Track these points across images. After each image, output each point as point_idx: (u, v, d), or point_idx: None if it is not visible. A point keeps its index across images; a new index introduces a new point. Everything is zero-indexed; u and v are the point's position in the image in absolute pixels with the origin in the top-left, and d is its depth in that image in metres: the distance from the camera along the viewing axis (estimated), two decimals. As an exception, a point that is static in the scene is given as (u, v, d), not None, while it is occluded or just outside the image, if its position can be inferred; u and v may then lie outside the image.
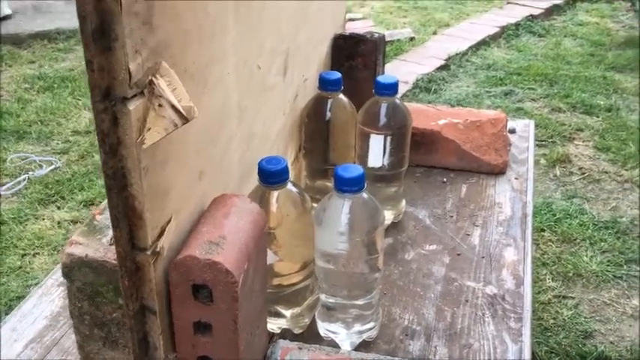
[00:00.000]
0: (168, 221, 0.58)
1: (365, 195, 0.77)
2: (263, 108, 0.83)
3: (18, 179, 2.24)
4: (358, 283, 0.80)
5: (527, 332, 0.86)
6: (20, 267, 1.87)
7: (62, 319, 0.89)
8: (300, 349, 0.75)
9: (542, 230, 2.04)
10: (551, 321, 1.70)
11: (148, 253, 0.56)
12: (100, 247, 0.62)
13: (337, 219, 0.76)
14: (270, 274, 0.77)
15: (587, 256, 1.93)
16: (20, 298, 1.76)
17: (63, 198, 2.17)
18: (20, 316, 0.89)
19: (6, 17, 3.57)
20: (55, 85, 2.93)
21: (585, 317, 1.72)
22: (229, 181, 0.74)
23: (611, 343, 1.64)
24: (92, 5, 0.44)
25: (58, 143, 2.49)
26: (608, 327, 1.69)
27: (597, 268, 1.88)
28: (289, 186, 0.77)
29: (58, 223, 2.04)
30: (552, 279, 1.85)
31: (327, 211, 0.77)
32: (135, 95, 0.49)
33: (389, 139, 0.98)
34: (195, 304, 0.60)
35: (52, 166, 2.32)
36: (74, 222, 2.05)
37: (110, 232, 0.61)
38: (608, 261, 1.91)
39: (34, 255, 1.91)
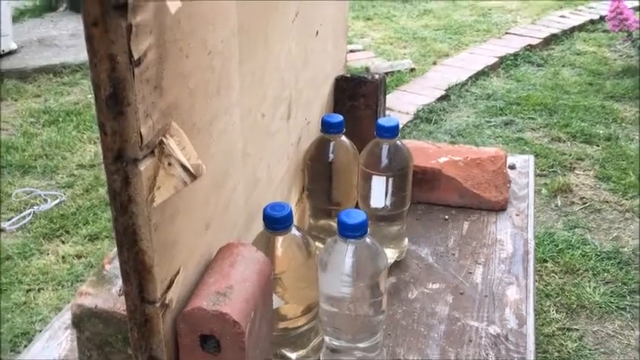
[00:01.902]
0: (177, 273, 0.59)
1: (368, 240, 0.78)
2: (267, 153, 0.85)
3: (23, 214, 2.26)
4: (362, 326, 0.81)
5: (530, 373, 0.87)
6: (25, 302, 1.87)
7: (70, 362, 0.90)
8: (305, 393, 0.76)
9: (545, 261, 2.04)
10: (556, 354, 1.70)
11: (157, 305, 0.57)
12: (110, 298, 0.63)
13: (341, 264, 0.77)
14: (275, 317, 0.78)
15: (590, 287, 1.93)
16: (25, 334, 1.76)
17: (68, 232, 2.18)
18: (28, 359, 0.90)
19: (11, 52, 3.62)
20: (60, 119, 2.96)
21: (590, 349, 1.72)
22: (235, 229, 0.76)
23: (616, 375, 1.63)
24: (106, 74, 0.46)
25: (62, 177, 2.52)
26: (612, 359, 1.69)
27: (601, 300, 1.88)
28: (293, 231, 0.78)
29: (63, 257, 2.05)
30: (556, 311, 1.85)
31: (331, 255, 0.78)
32: (145, 156, 0.51)
33: (391, 180, 1.00)
34: (203, 354, 0.61)
35: (57, 200, 2.33)
36: (79, 256, 2.06)
37: (119, 282, 0.63)
38: (612, 292, 1.91)
39: (38, 290, 1.92)
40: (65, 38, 3.92)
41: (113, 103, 0.47)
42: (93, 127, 2.87)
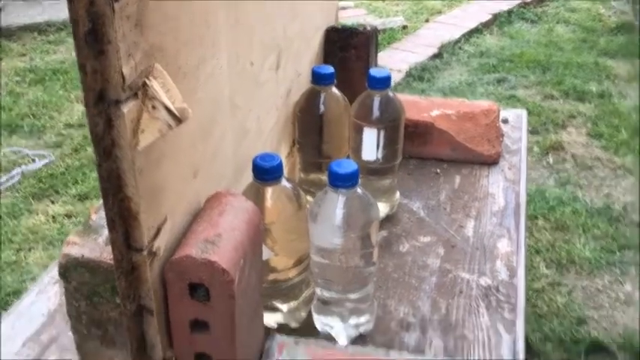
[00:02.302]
0: (164, 221, 0.58)
1: (359, 190, 0.77)
2: (256, 104, 0.84)
3: (11, 174, 2.24)
4: (353, 277, 0.81)
5: (520, 323, 0.87)
6: (15, 262, 1.87)
7: (59, 316, 0.89)
8: (296, 343, 0.76)
9: (536, 218, 2.05)
10: (545, 308, 1.72)
11: (144, 253, 0.56)
12: (96, 247, 0.62)
13: (332, 214, 0.76)
14: (266, 269, 0.77)
15: (580, 243, 1.94)
16: (16, 292, 1.76)
17: (57, 192, 2.16)
18: (17, 314, 0.90)
19: (-5, 9, 3.54)
20: (47, 78, 2.91)
21: (579, 304, 1.74)
22: (223, 178, 0.74)
23: (605, 329, 1.66)
24: (84, 9, 0.44)
25: (50, 137, 2.49)
26: (601, 313, 1.71)
27: (590, 255, 1.89)
28: (283, 182, 0.77)
29: (53, 217, 2.04)
30: (546, 266, 1.87)
31: (321, 206, 0.77)
32: (128, 98, 0.50)
33: (382, 132, 0.98)
34: (192, 302, 0.60)
35: (46, 160, 2.31)
36: (68, 216, 2.05)
37: (106, 232, 0.62)
38: (601, 248, 1.93)
39: (29, 250, 1.91)
40: (50, -5, 3.83)
41: (92, 39, 0.45)
42: (80, 87, 2.82)
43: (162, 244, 0.58)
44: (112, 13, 0.45)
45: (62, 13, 3.54)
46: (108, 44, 0.46)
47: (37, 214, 2.05)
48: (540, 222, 2.04)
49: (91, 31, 0.45)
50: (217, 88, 0.69)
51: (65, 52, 3.21)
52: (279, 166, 0.75)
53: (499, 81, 2.96)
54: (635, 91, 2.83)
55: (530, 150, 2.42)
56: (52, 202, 2.12)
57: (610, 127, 2.55)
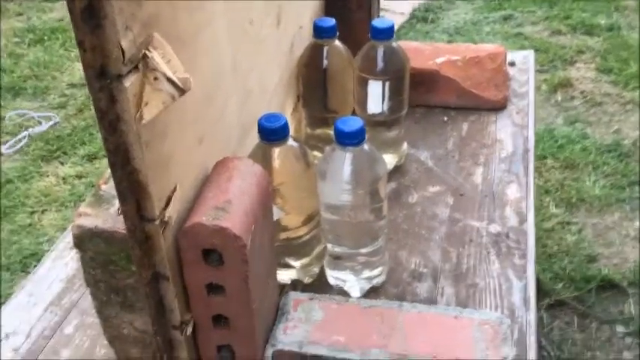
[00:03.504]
0: (174, 190, 0.59)
1: (366, 146, 0.77)
2: (258, 62, 0.83)
3: (18, 137, 2.24)
4: (364, 232, 0.81)
5: (531, 268, 0.88)
6: (30, 224, 1.89)
7: (78, 281, 0.91)
8: (310, 299, 0.77)
9: (545, 157, 2.04)
10: (555, 247, 1.73)
11: (157, 223, 0.57)
12: (109, 218, 0.63)
13: (340, 172, 0.77)
14: (277, 228, 0.78)
15: (590, 180, 1.94)
16: (34, 255, 1.79)
17: (65, 153, 2.17)
18: (36, 280, 0.92)
19: (-12, -32, 3.47)
20: (46, 38, 2.88)
21: (589, 242, 1.75)
22: (229, 142, 0.74)
23: (615, 265, 1.67)
24: (79, -16, 0.43)
25: (54, 98, 2.48)
26: (611, 250, 1.72)
27: (600, 193, 1.89)
28: (290, 141, 0.77)
29: (63, 178, 2.05)
30: (556, 206, 1.87)
31: (329, 164, 0.77)
32: (130, 71, 0.49)
33: (387, 84, 0.97)
34: (206, 267, 0.61)
35: (52, 122, 2.31)
36: (79, 177, 2.06)
37: (116, 202, 0.62)
38: (611, 185, 1.92)
39: (42, 212, 1.94)
40: (42, -49, 3.74)
41: (89, 15, 0.45)
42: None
43: (173, 212, 0.59)
44: (108, -13, 0.44)
45: (56, -32, 3.46)
46: (105, 18, 0.46)
47: (48, 177, 2.07)
48: (549, 161, 2.03)
49: (88, 6, 0.44)
50: (218, 53, 0.68)
51: (62, 10, 3.16)
52: (285, 126, 0.75)
53: (505, 18, 2.89)
54: (645, 22, 2.77)
55: (538, 89, 2.40)
56: (62, 164, 2.13)
57: (619, 61, 2.50)
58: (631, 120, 2.21)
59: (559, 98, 2.35)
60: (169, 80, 0.51)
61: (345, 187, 0.77)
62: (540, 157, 2.04)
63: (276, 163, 0.76)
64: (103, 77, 0.48)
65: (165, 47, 0.52)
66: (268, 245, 0.70)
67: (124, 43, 0.47)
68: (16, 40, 2.89)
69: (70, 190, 2.00)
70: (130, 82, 0.49)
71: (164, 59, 0.51)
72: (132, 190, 0.54)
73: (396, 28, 0.99)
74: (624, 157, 2.03)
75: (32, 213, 1.93)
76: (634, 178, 1.94)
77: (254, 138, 0.76)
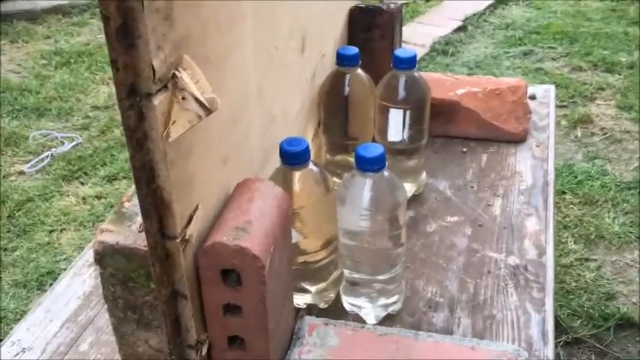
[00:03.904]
0: (196, 209, 0.59)
1: (386, 173, 0.77)
2: (282, 88, 0.84)
3: (41, 156, 2.28)
4: (382, 259, 0.81)
5: (549, 302, 0.87)
6: (48, 243, 1.91)
7: (95, 298, 0.91)
8: (326, 324, 0.77)
9: (564, 193, 2.03)
10: (574, 284, 1.71)
11: (178, 240, 0.57)
12: (130, 235, 0.63)
13: (359, 198, 0.77)
14: (295, 252, 0.79)
15: (609, 217, 1.92)
16: (50, 273, 1.80)
17: (86, 174, 2.20)
18: (53, 297, 0.92)
19: (20, -7, 3.57)
20: (72, 60, 2.94)
21: (608, 279, 1.73)
22: (252, 164, 0.75)
23: (634, 304, 1.64)
24: (115, 5, 0.45)
25: (78, 119, 2.52)
26: (630, 288, 1.70)
27: (620, 230, 1.87)
28: (311, 166, 0.78)
29: (83, 198, 2.08)
30: (574, 242, 1.85)
31: (349, 190, 0.78)
32: (159, 90, 0.50)
33: (408, 112, 0.98)
34: (225, 287, 0.62)
35: (74, 143, 2.35)
36: (98, 197, 2.09)
37: (139, 219, 0.63)
38: (631, 222, 1.90)
39: (61, 231, 1.96)
40: (73, -23, 3.85)
41: (123, 35, 0.46)
42: (105, 68, 2.85)
43: (194, 231, 0.59)
44: (142, 8, 0.46)
45: (85, -6, 3.56)
46: (138, 38, 0.47)
47: (68, 196, 2.09)
48: (568, 197, 2.02)
49: (122, 26, 0.46)
50: (244, 76, 0.69)
51: (89, 34, 3.24)
52: (306, 150, 0.76)
53: (525, 54, 2.91)
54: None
55: (557, 124, 2.39)
56: (82, 184, 2.15)
57: (640, 98, 2.50)
58: (652, 158, 2.19)
59: (579, 134, 2.34)
60: (197, 100, 0.52)
61: (364, 213, 0.77)
62: (559, 193, 2.03)
63: (297, 186, 0.77)
64: (133, 95, 0.49)
65: (194, 68, 0.53)
66: (286, 268, 0.70)
67: (156, 63, 0.48)
68: (44, 62, 2.96)
69: (90, 210, 2.02)
70: (159, 100, 0.50)
71: (193, 79, 0.52)
72: (155, 207, 0.55)
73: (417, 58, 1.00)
74: (644, 195, 2.01)
75: (51, 232, 1.95)
76: (654, 216, 1.92)
77: (276, 161, 0.77)
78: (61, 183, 2.15)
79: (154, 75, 0.49)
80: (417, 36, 3.00)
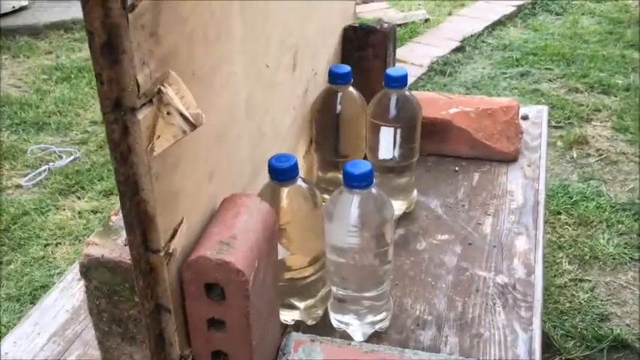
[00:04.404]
0: (180, 223, 0.60)
1: (374, 190, 0.78)
2: (272, 105, 0.85)
3: (39, 170, 2.29)
4: (369, 276, 0.82)
5: (537, 321, 0.87)
6: (43, 257, 1.91)
7: (83, 312, 0.91)
8: (312, 341, 0.77)
9: (559, 213, 2.03)
10: (567, 304, 1.71)
11: (161, 254, 0.58)
12: (116, 248, 0.64)
13: (347, 214, 0.77)
14: (282, 268, 0.79)
15: (603, 238, 1.92)
16: (44, 287, 1.80)
17: (83, 188, 2.20)
18: (42, 310, 0.93)
19: (22, 8, 3.60)
20: (73, 76, 2.96)
21: (602, 300, 1.72)
22: (239, 180, 0.76)
23: (628, 325, 1.64)
24: (99, 21, 0.46)
25: (77, 134, 2.53)
26: (624, 310, 1.69)
27: (614, 251, 1.87)
28: (299, 182, 0.78)
29: (79, 213, 2.08)
30: (569, 262, 1.85)
31: (337, 206, 0.78)
32: (144, 105, 0.51)
33: (399, 131, 0.99)
34: (208, 302, 0.62)
35: (72, 157, 2.35)
36: (94, 212, 2.09)
37: (125, 233, 0.63)
38: (625, 243, 1.90)
39: (56, 245, 1.96)
40: (75, -6, 3.89)
41: (108, 51, 0.47)
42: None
43: (178, 245, 0.60)
44: (127, 24, 0.47)
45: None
46: (123, 54, 0.48)
47: (64, 210, 2.10)
48: (563, 217, 2.02)
49: (107, 42, 0.47)
50: (232, 93, 0.70)
51: (90, 50, 3.26)
52: (295, 167, 0.76)
53: (522, 75, 2.93)
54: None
55: (553, 144, 2.40)
56: (79, 198, 2.16)
57: (636, 120, 2.51)
58: (647, 179, 2.20)
59: (574, 155, 2.35)
60: (182, 115, 0.53)
61: (352, 230, 0.78)
62: (554, 213, 2.03)
63: (285, 202, 0.78)
64: (118, 109, 0.50)
65: (179, 84, 0.54)
66: (272, 283, 0.70)
67: (140, 78, 0.49)
68: (44, 77, 2.98)
69: (85, 225, 2.02)
70: (144, 114, 0.51)
71: (178, 95, 0.53)
72: (139, 220, 0.56)
73: (414, 79, 1.01)
74: (639, 217, 2.01)
75: (46, 245, 1.95)
76: (649, 237, 1.92)
77: (265, 177, 0.78)
78: (58, 197, 2.16)
79: (138, 90, 0.49)
80: (415, 56, 3.03)
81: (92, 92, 2.82)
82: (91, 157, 2.37)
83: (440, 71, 2.96)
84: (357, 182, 0.76)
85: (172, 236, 0.59)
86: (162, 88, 0.52)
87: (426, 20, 3.51)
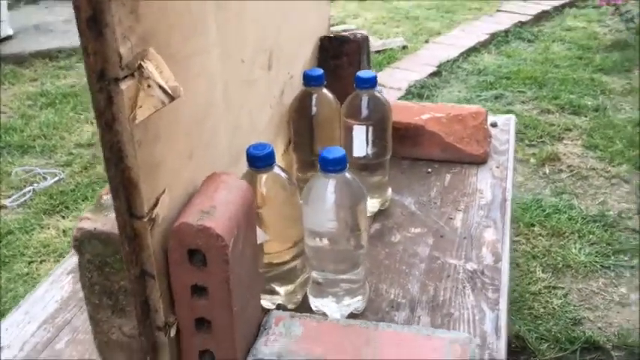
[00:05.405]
0: (162, 193, 0.64)
1: (347, 174, 0.83)
2: (248, 99, 0.90)
3: (23, 191, 2.31)
4: (344, 259, 0.86)
5: (504, 301, 0.92)
6: (27, 273, 1.93)
7: (72, 302, 0.95)
8: (292, 317, 0.81)
9: (533, 225, 2.10)
10: (542, 310, 1.76)
11: (145, 220, 0.62)
12: (107, 222, 0.68)
13: (323, 196, 0.82)
14: (261, 253, 0.83)
15: (575, 248, 1.98)
16: (28, 303, 1.81)
17: (67, 208, 2.23)
18: (32, 301, 0.96)
19: (8, 37, 3.66)
20: (57, 101, 3.01)
21: (574, 305, 1.77)
22: (219, 165, 0.81)
23: (599, 328, 1.69)
24: (85, -3, 0.51)
25: (61, 156, 2.57)
26: (596, 314, 1.75)
27: (586, 259, 1.93)
28: (276, 169, 0.83)
29: (63, 231, 2.10)
30: (542, 271, 1.91)
31: (313, 190, 0.83)
32: (126, 77, 0.56)
33: (371, 129, 1.05)
34: (191, 268, 0.66)
35: (56, 178, 2.39)
36: (78, 230, 2.11)
37: (114, 209, 0.68)
38: (597, 252, 1.97)
39: (40, 262, 1.98)
40: (60, 24, 3.97)
41: (92, 24, 0.52)
42: (89, 109, 2.92)
43: (161, 212, 0.64)
44: (109, 1, 0.52)
45: (72, 40, 3.66)
46: (106, 27, 0.53)
47: (49, 229, 2.12)
48: (537, 229, 2.08)
49: (92, 16, 0.52)
50: (209, 80, 0.75)
51: (75, 77, 3.32)
52: (271, 154, 0.81)
53: (496, 97, 3.03)
54: (632, 104, 2.89)
55: (526, 161, 2.49)
56: (63, 218, 2.18)
57: (605, 138, 2.60)
58: (616, 193, 2.28)
59: (547, 171, 2.43)
60: (161, 87, 0.58)
61: (327, 212, 0.82)
62: (528, 225, 2.10)
63: (263, 189, 0.82)
64: (103, 79, 0.55)
65: (158, 60, 0.59)
66: (251, 258, 0.75)
67: (122, 50, 0.55)
68: (29, 102, 3.02)
69: (69, 242, 2.04)
70: (126, 85, 0.56)
71: (157, 70, 0.58)
72: (124, 186, 0.60)
73: (391, 102, 1.07)
74: (609, 227, 2.08)
75: (30, 263, 1.97)
76: (619, 246, 1.99)
77: (242, 168, 0.83)
78: (42, 216, 2.18)
79: (120, 61, 0.55)
80: (393, 80, 3.12)
81: (77, 117, 2.87)
82: (75, 178, 2.41)
83: (417, 94, 3.05)
84: (332, 166, 0.81)
85: (155, 204, 0.63)
86: (142, 62, 0.58)
87: (404, 47, 3.62)
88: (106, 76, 0.55)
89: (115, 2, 0.53)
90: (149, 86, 0.57)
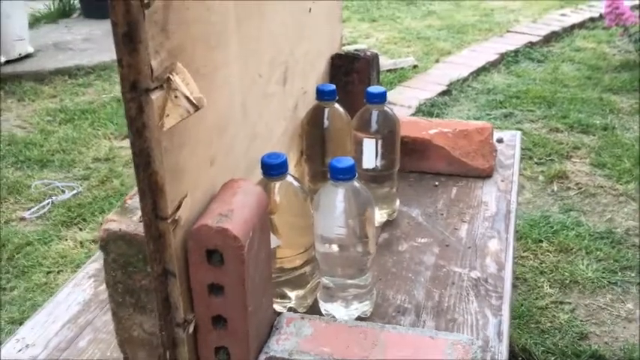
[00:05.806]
0: (185, 196, 0.70)
1: (356, 183, 0.88)
2: (265, 112, 0.96)
3: (42, 204, 2.38)
4: (353, 264, 0.91)
5: (506, 308, 0.96)
6: (46, 283, 1.98)
7: (94, 304, 1.00)
8: (302, 318, 0.86)
9: (540, 241, 2.13)
10: (549, 324, 1.78)
11: (169, 221, 0.67)
12: (132, 224, 0.73)
13: (332, 204, 0.87)
14: (274, 258, 0.88)
15: (583, 264, 2.01)
16: (46, 311, 1.86)
17: (85, 220, 2.29)
18: (55, 303, 1.01)
19: (28, 55, 3.77)
20: (76, 117, 3.09)
21: (581, 320, 1.80)
22: (236, 172, 0.86)
23: (606, 343, 1.71)
24: (122, 15, 0.57)
25: (79, 170, 2.64)
26: (603, 329, 1.77)
27: (593, 275, 1.96)
28: (289, 178, 0.88)
29: (81, 243, 2.16)
30: (550, 286, 1.93)
31: (323, 197, 0.88)
32: (156, 88, 0.62)
33: (380, 142, 1.10)
34: (209, 267, 0.71)
35: (74, 191, 2.45)
36: (95, 242, 2.17)
37: (139, 212, 0.73)
38: (604, 268, 1.99)
39: (58, 272, 2.03)
40: (79, 42, 4.07)
41: (128, 40, 0.58)
42: (107, 124, 3.00)
43: (183, 215, 0.69)
44: (143, 19, 0.58)
45: (91, 58, 3.75)
46: (139, 43, 0.59)
47: (66, 240, 2.18)
48: (544, 245, 2.11)
49: (127, 32, 0.58)
50: (230, 94, 0.81)
51: (93, 94, 3.40)
52: (285, 163, 0.86)
53: (506, 116, 3.07)
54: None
55: (535, 179, 2.52)
56: (80, 229, 2.24)
57: (613, 157, 2.63)
58: (624, 210, 2.30)
59: (555, 188, 2.46)
60: (187, 98, 0.63)
61: (337, 219, 0.87)
62: (536, 241, 2.13)
63: (276, 196, 0.87)
64: (135, 90, 0.60)
65: (185, 73, 0.65)
66: (265, 260, 0.79)
67: (154, 63, 0.60)
68: (48, 118, 3.10)
69: (86, 253, 2.10)
70: (156, 96, 0.61)
71: (184, 82, 0.64)
72: (150, 189, 0.65)
73: (402, 120, 1.12)
74: (616, 244, 2.10)
75: (48, 273, 2.03)
76: (626, 263, 2.01)
77: (258, 176, 0.88)
78: (60, 228, 2.24)
79: (152, 74, 0.60)
80: (403, 98, 3.17)
81: (95, 132, 2.94)
82: (92, 191, 2.47)
83: (427, 112, 3.10)
84: (341, 175, 0.86)
85: (178, 207, 0.68)
86: (170, 75, 0.63)
87: (415, 67, 3.68)
88: (138, 87, 0.60)
89: (148, 21, 0.58)
90: (176, 97, 0.63)
